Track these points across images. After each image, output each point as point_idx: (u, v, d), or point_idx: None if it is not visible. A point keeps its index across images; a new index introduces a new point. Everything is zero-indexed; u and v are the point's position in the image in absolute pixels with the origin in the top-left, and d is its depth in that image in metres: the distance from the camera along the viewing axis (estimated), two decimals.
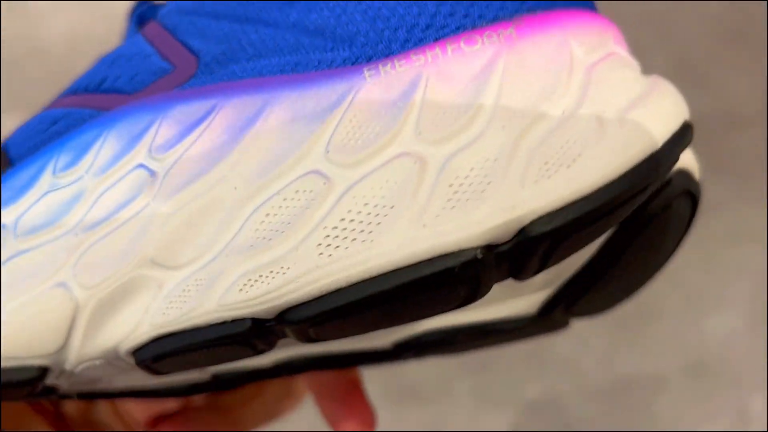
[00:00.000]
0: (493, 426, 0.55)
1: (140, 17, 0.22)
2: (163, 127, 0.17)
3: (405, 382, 0.57)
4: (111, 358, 0.17)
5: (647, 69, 0.16)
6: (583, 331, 0.55)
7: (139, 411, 0.23)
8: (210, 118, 0.16)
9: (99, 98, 0.18)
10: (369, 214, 0.14)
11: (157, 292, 0.16)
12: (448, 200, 0.13)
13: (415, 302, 0.14)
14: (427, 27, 0.15)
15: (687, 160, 0.18)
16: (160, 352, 0.16)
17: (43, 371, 0.17)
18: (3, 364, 0.16)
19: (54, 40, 0.67)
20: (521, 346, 0.54)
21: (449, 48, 0.15)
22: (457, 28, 0.15)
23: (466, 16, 0.15)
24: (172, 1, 0.19)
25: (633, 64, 0.16)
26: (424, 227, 0.13)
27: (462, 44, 0.15)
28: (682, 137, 0.14)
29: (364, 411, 0.22)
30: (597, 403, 0.55)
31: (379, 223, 0.14)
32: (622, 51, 0.16)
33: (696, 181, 0.18)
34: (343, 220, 0.14)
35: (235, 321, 0.15)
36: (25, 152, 0.19)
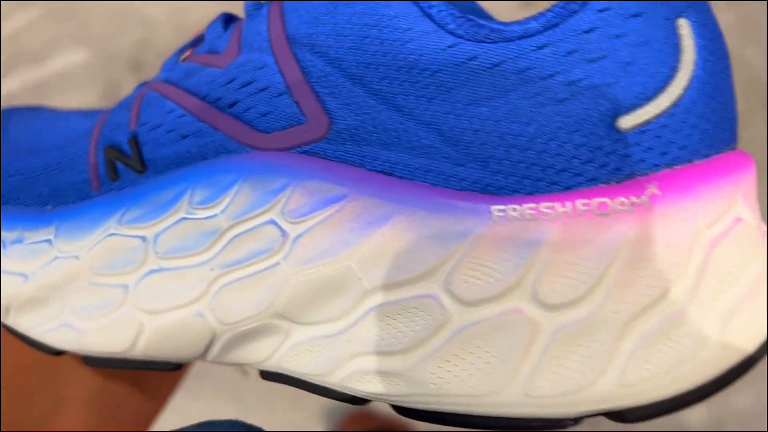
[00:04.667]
0: None
1: None
2: (297, 194, 0.18)
3: None
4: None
5: None
6: None
7: None
8: (341, 204, 0.17)
9: (229, 122, 0.19)
10: (480, 358, 0.16)
11: (285, 338, 0.19)
12: (554, 373, 0.15)
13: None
14: (563, 170, 0.16)
15: None
16: (285, 381, 0.19)
17: (180, 365, 0.20)
18: (151, 358, 0.20)
19: None
20: None
21: (580, 208, 0.15)
22: (592, 180, 0.16)
23: (602, 166, 0.16)
24: (303, 19, 0.18)
25: (755, 232, 0.16)
26: (526, 396, 0.15)
27: (594, 207, 0.15)
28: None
29: None
30: None
31: (488, 372, 0.16)
32: (748, 213, 0.16)
33: None
34: (456, 356, 0.16)
35: (354, 398, 0.18)
36: (159, 160, 0.20)
